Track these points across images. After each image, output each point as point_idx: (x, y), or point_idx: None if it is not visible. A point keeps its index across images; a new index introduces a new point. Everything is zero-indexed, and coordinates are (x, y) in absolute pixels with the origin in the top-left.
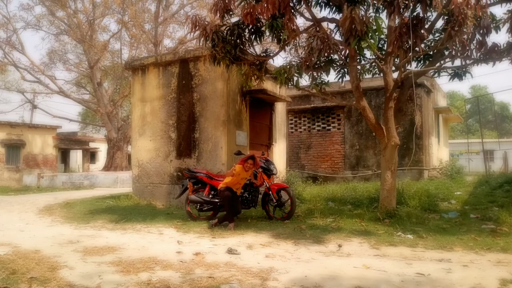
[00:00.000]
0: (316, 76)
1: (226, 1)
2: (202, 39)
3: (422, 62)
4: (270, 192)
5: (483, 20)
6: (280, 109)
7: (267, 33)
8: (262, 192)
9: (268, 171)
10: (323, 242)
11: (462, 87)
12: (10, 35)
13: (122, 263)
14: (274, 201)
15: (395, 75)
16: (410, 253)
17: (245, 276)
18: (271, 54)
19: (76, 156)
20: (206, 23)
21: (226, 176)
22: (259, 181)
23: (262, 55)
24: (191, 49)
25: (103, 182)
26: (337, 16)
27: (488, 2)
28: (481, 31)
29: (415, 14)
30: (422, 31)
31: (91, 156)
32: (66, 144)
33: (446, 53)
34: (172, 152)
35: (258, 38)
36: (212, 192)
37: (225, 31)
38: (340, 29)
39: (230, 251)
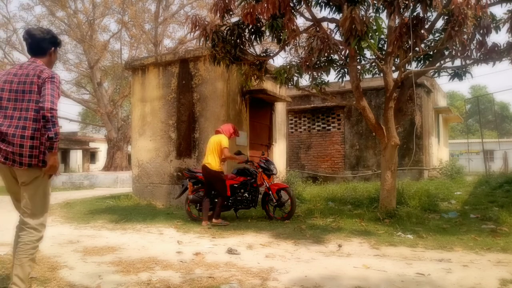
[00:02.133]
0: (316, 76)
1: (226, 1)
2: (202, 39)
3: (422, 62)
4: (270, 192)
5: (483, 20)
6: (280, 109)
7: (267, 33)
8: (262, 192)
9: (268, 171)
10: (323, 242)
11: (462, 87)
12: (10, 35)
13: (122, 263)
14: (274, 201)
15: (395, 75)
16: (410, 253)
17: (245, 276)
18: (271, 54)
19: (76, 156)
20: (206, 23)
21: (226, 157)
22: (259, 181)
23: (262, 55)
24: (191, 49)
25: (103, 182)
26: (337, 16)
27: (488, 2)
28: (481, 31)
29: (415, 14)
30: (422, 31)
31: (91, 156)
32: (66, 144)
33: (446, 53)
34: (172, 152)
35: (258, 38)
36: (213, 192)
37: (225, 31)
38: (340, 29)
39: (230, 251)
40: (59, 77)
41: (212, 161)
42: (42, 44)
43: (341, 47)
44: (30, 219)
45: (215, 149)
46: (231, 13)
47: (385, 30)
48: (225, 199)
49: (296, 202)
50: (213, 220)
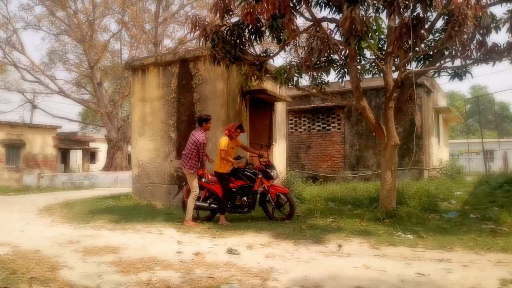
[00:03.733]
0: (316, 76)
1: (226, 1)
2: (202, 39)
3: (422, 62)
4: (269, 195)
5: (483, 20)
6: (280, 109)
7: (267, 33)
8: (260, 192)
9: (267, 175)
10: (323, 242)
11: (462, 87)
12: (10, 35)
13: (122, 263)
14: (273, 202)
15: (395, 75)
16: (410, 253)
17: (245, 276)
18: (271, 54)
19: (76, 156)
20: (206, 23)
21: (221, 159)
22: (258, 186)
23: (262, 55)
24: (191, 49)
25: (103, 182)
26: (337, 16)
27: (488, 2)
28: (481, 31)
29: (415, 14)
30: (422, 31)
31: (91, 156)
32: (66, 144)
33: (446, 53)
34: (172, 152)
35: (258, 38)
36: (208, 195)
37: (225, 31)
38: (340, 29)
39: (230, 251)
40: (201, 140)
41: (216, 162)
42: (199, 122)
43: (341, 47)
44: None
45: (218, 150)
46: (231, 13)
47: (385, 30)
48: (227, 198)
49: (296, 204)
50: (220, 221)
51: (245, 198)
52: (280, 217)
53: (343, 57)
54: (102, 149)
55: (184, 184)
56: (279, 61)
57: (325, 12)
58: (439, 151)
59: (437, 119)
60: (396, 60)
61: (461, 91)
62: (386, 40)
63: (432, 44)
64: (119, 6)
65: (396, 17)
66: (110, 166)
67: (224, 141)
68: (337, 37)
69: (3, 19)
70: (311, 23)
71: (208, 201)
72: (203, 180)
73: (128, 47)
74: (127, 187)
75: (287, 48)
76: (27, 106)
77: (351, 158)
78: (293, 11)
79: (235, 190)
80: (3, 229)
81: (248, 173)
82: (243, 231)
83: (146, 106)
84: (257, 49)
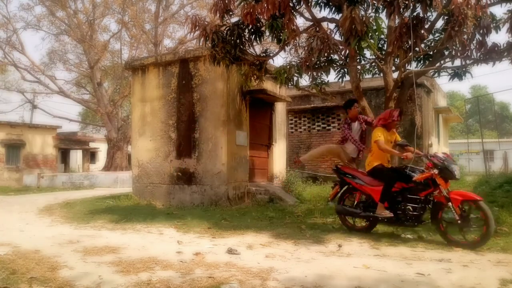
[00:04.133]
0: (316, 76)
1: (226, 1)
2: (202, 39)
3: (422, 62)
4: (451, 204)
5: (483, 20)
6: (280, 109)
7: (267, 33)
8: (431, 199)
9: (447, 173)
10: (323, 242)
11: (462, 87)
12: (10, 35)
13: (122, 263)
14: (457, 217)
15: (395, 75)
16: (410, 253)
17: (245, 276)
18: (271, 54)
19: (76, 156)
20: (206, 23)
21: (379, 150)
22: (426, 192)
23: (262, 55)
24: (191, 49)
25: (103, 182)
26: (337, 16)
27: (488, 2)
28: (481, 31)
29: (415, 14)
30: (422, 31)
31: (91, 156)
32: (66, 144)
33: (446, 53)
34: (172, 152)
35: (258, 38)
36: (365, 198)
37: (225, 31)
38: (340, 29)
39: (230, 251)
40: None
41: (368, 160)
42: (344, 107)
43: (341, 47)
44: None
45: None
46: (231, 13)
47: (385, 30)
48: (388, 187)
49: (492, 222)
50: (377, 211)
51: (410, 207)
52: (466, 241)
53: (343, 57)
54: (102, 149)
55: (336, 184)
56: (279, 61)
57: (325, 12)
58: (439, 151)
59: (437, 119)
60: (396, 60)
61: (461, 91)
62: (386, 40)
63: (432, 44)
64: (119, 6)
65: (396, 17)
66: (110, 166)
67: (377, 132)
68: (337, 37)
69: (3, 19)
70: (311, 23)
71: (362, 207)
72: (356, 181)
73: (128, 47)
74: (127, 187)
75: (287, 48)
76: (27, 106)
77: None
78: (293, 11)
79: (396, 194)
80: (3, 229)
81: (412, 173)
82: (243, 231)
83: (146, 106)
84: (257, 49)
